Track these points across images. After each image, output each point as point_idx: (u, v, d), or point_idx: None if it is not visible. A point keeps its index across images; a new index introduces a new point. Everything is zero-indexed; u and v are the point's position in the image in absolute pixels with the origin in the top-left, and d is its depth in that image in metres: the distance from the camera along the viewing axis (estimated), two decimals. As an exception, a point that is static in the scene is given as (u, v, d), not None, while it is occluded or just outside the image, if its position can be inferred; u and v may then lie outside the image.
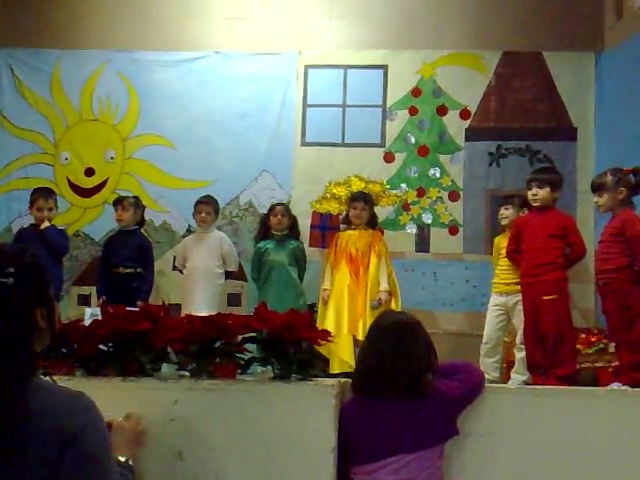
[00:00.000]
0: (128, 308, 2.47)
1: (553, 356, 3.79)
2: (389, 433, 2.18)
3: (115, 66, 5.70)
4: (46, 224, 4.78)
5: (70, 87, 5.74)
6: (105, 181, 5.67)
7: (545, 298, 3.84)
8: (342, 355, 4.35)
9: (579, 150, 5.38)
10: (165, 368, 2.37)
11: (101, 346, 2.32)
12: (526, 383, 3.93)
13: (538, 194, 3.97)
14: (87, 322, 2.41)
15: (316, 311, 4.74)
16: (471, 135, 5.50)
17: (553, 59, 5.46)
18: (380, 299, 4.55)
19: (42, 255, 4.42)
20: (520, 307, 4.16)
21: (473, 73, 5.53)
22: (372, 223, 4.84)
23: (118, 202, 5.10)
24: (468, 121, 5.50)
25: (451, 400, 2.24)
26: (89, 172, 5.69)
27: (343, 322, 4.48)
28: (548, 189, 3.98)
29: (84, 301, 5.29)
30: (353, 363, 4.26)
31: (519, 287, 4.18)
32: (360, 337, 4.36)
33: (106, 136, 5.69)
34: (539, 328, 3.87)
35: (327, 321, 4.48)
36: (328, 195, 5.05)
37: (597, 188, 3.68)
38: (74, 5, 5.83)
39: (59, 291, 4.76)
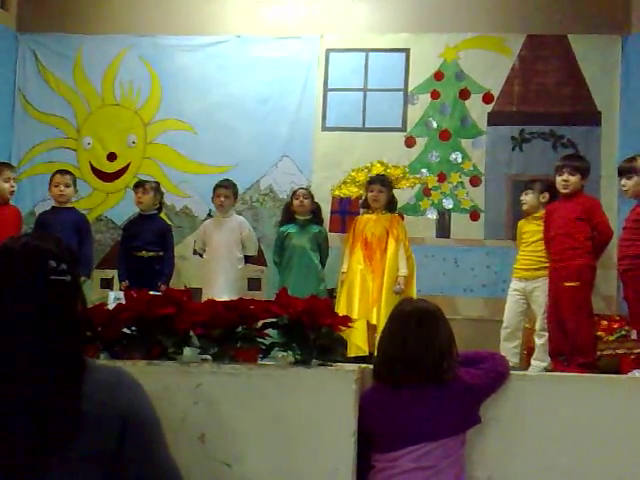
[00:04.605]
0: (151, 292, 2.51)
1: (573, 343, 3.77)
2: (411, 421, 2.19)
3: (137, 51, 5.71)
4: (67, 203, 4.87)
5: (92, 72, 5.77)
6: (127, 166, 5.71)
7: (566, 285, 3.81)
8: (355, 340, 4.35)
9: (603, 135, 5.30)
10: (188, 352, 2.40)
11: (125, 330, 2.35)
12: (546, 369, 3.92)
13: (570, 180, 3.92)
14: (111, 306, 2.45)
15: (335, 296, 4.76)
16: (494, 119, 5.44)
17: (578, 42, 5.37)
18: (399, 284, 4.54)
19: (68, 235, 4.41)
20: (538, 293, 4.15)
21: (496, 56, 5.46)
22: (391, 206, 4.81)
23: (139, 185, 5.14)
24: (491, 105, 5.44)
25: (473, 388, 2.24)
26: (111, 157, 5.73)
27: (354, 307, 4.48)
28: (579, 176, 3.94)
29: (107, 285, 5.36)
30: (366, 348, 4.30)
31: (539, 273, 4.17)
32: (374, 322, 4.37)
33: (128, 121, 5.72)
34: (560, 314, 3.85)
35: (339, 305, 4.49)
36: (348, 180, 5.05)
37: (626, 172, 3.64)
38: (96, -10, 5.85)
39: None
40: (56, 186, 4.89)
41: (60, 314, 1.38)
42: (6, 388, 1.33)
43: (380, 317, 4.30)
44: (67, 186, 4.90)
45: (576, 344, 3.75)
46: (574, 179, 3.93)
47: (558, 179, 3.98)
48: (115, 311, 2.35)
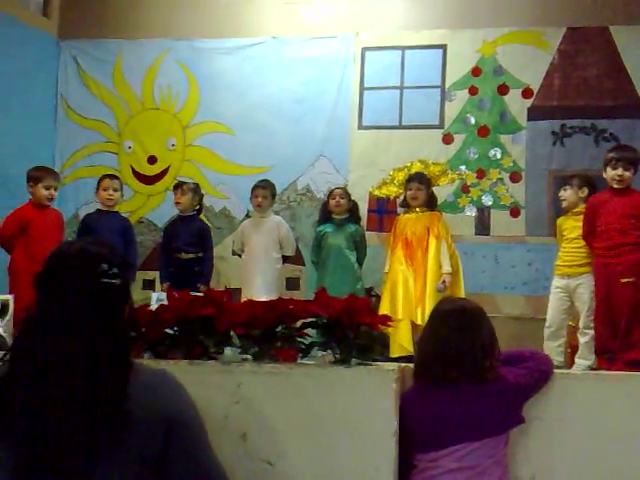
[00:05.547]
0: (191, 293, 2.54)
1: (623, 340, 3.69)
2: (453, 421, 2.17)
3: (175, 55, 5.80)
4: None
5: (132, 76, 5.87)
6: (167, 169, 5.80)
7: (622, 281, 3.72)
8: (400, 340, 4.32)
9: (647, 128, 5.18)
10: (228, 352, 2.42)
11: (167, 330, 2.38)
12: (591, 368, 3.84)
13: (624, 176, 3.81)
14: (154, 307, 2.48)
15: (373, 295, 4.74)
16: (533, 114, 5.36)
17: (620, 34, 5.25)
18: (444, 281, 4.50)
19: (114, 239, 4.48)
20: (582, 290, 4.06)
21: (535, 51, 5.38)
22: (430, 204, 4.76)
23: (178, 186, 5.20)
24: (530, 100, 5.36)
25: (516, 388, 2.21)
26: (151, 160, 5.82)
27: (398, 307, 4.45)
28: (633, 170, 3.85)
29: (148, 286, 5.44)
30: (410, 348, 4.26)
31: (582, 269, 4.09)
32: (419, 322, 4.34)
33: (167, 124, 5.81)
34: (612, 310, 3.76)
35: (383, 306, 4.47)
36: (388, 180, 5.02)
37: None
38: (134, -5, 5.95)
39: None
40: (105, 190, 4.97)
41: (109, 316, 1.43)
42: (55, 387, 1.36)
43: (424, 317, 4.25)
44: (115, 190, 4.98)
45: (629, 340, 3.66)
46: (628, 174, 3.82)
47: (612, 173, 3.83)
48: (158, 312, 2.39)
